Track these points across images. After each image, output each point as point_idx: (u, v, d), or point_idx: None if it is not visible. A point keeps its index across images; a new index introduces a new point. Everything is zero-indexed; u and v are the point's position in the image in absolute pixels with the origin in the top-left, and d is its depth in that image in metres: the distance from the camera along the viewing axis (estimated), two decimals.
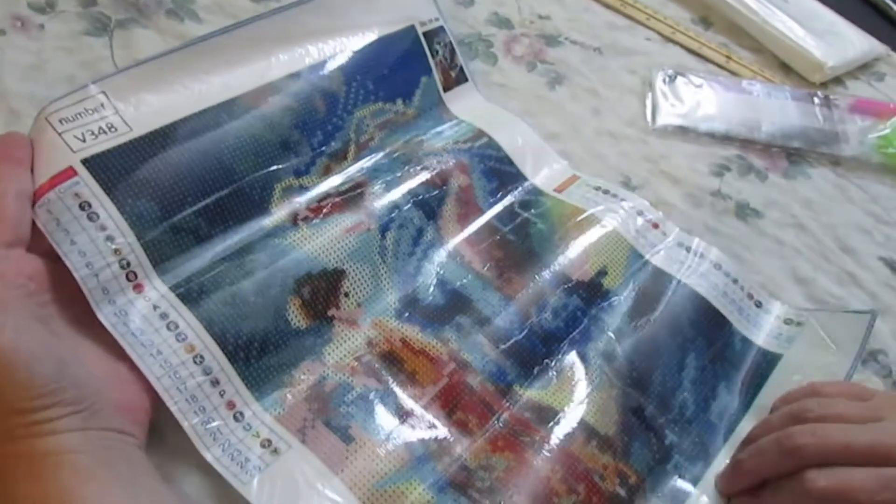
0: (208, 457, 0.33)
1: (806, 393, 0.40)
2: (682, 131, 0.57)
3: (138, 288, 0.35)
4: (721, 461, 0.39)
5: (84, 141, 0.35)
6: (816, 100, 0.61)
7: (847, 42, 0.65)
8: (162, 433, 0.34)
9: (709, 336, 0.44)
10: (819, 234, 0.53)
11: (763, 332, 0.45)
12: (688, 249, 0.48)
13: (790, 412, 0.38)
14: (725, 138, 0.58)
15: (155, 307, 0.35)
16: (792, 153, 0.59)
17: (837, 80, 0.66)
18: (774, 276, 0.50)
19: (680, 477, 0.38)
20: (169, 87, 0.39)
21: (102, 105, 0.36)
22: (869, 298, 0.50)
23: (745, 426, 0.41)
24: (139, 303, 0.35)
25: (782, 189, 0.56)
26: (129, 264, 0.35)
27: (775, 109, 0.60)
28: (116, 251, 0.34)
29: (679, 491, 0.38)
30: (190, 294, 0.36)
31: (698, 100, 0.59)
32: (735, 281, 0.47)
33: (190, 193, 0.37)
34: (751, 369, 0.44)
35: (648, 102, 0.59)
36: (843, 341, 0.43)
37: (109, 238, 0.34)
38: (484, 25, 0.60)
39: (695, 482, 0.38)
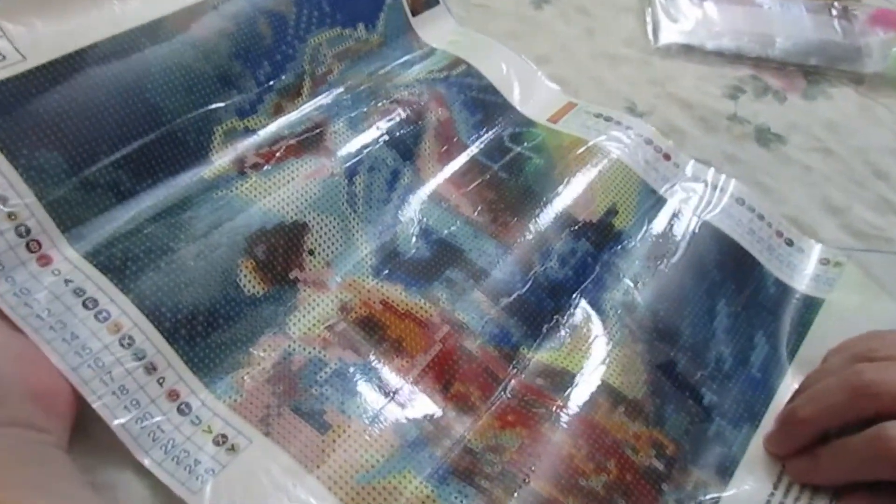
0: (146, 462, 0.26)
1: (865, 338, 0.33)
2: (688, 50, 0.51)
3: (44, 260, 0.28)
4: (768, 422, 0.33)
5: None
6: (834, 11, 0.55)
7: None
8: (89, 429, 0.26)
9: (738, 279, 0.38)
10: (848, 159, 0.48)
11: (799, 274, 0.39)
12: (705, 183, 0.41)
13: (852, 353, 0.32)
14: (736, 57, 0.52)
15: (66, 282, 0.28)
16: (810, 71, 0.53)
17: None
18: (805, 206, 0.43)
19: (723, 443, 0.32)
20: (74, 7, 0.31)
21: None
22: None
23: (791, 382, 0.35)
24: (45, 278, 0.28)
25: (803, 111, 0.50)
26: (28, 231, 0.28)
27: (789, 23, 0.54)
28: (11, 215, 0.27)
29: (724, 459, 0.32)
30: (112, 263, 0.29)
31: (703, 14, 0.53)
32: (761, 217, 0.41)
33: (105, 140, 0.30)
34: (790, 316, 0.37)
35: (648, 19, 0.53)
36: (892, 285, 0.37)
37: (1, 199, 0.27)
38: None
39: (742, 448, 0.32)
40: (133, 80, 0.31)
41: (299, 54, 0.37)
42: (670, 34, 0.51)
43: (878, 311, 0.37)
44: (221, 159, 0.33)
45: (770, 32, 0.53)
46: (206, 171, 0.33)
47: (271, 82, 0.36)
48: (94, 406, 0.26)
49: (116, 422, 0.26)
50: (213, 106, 0.33)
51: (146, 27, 0.32)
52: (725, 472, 0.31)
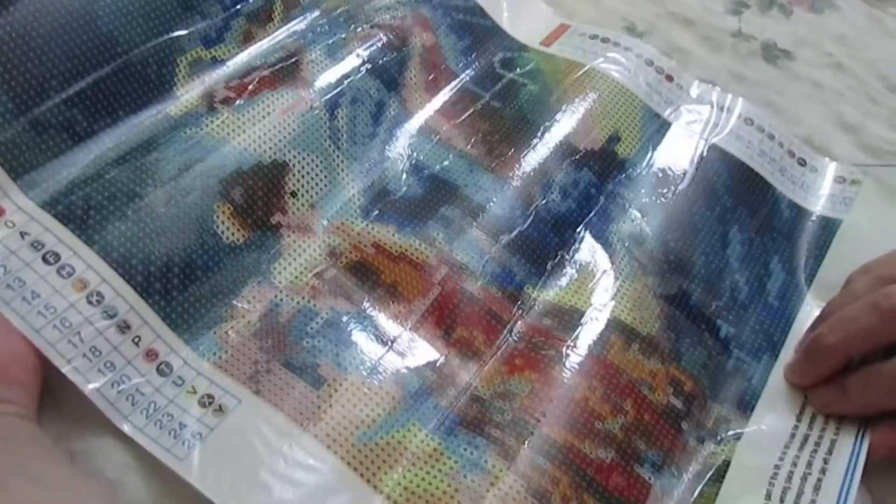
0: (126, 428, 0.24)
1: (890, 259, 0.31)
2: None
3: None
4: (788, 352, 0.32)
5: None
6: None
7: None
8: (59, 396, 0.24)
9: (750, 204, 0.36)
10: (860, 74, 0.45)
11: (813, 195, 0.37)
12: (711, 104, 0.39)
13: (878, 275, 0.30)
14: None
15: (23, 234, 0.25)
16: None
17: None
18: (818, 125, 0.41)
19: (743, 376, 0.30)
20: None
21: None
22: None
23: (810, 308, 0.33)
24: None
25: (810, 24, 0.48)
26: None
27: None
28: None
29: (744, 393, 0.30)
30: (72, 212, 0.26)
31: None
32: (771, 137, 0.38)
33: (54, 75, 0.27)
34: (806, 240, 0.35)
35: None
36: None
37: None
38: None
39: (762, 380, 0.30)
40: (82, 6, 0.28)
41: None
42: None
43: None
44: (188, 94, 0.30)
45: None
46: (171, 108, 0.30)
47: (238, 6, 0.32)
48: (64, 370, 0.23)
49: (90, 386, 0.24)
50: (175, 34, 0.30)
51: None
52: (746, 406, 0.30)
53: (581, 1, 0.44)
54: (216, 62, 0.31)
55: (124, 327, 0.25)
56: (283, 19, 0.34)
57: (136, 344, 0.25)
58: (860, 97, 0.44)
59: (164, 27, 0.30)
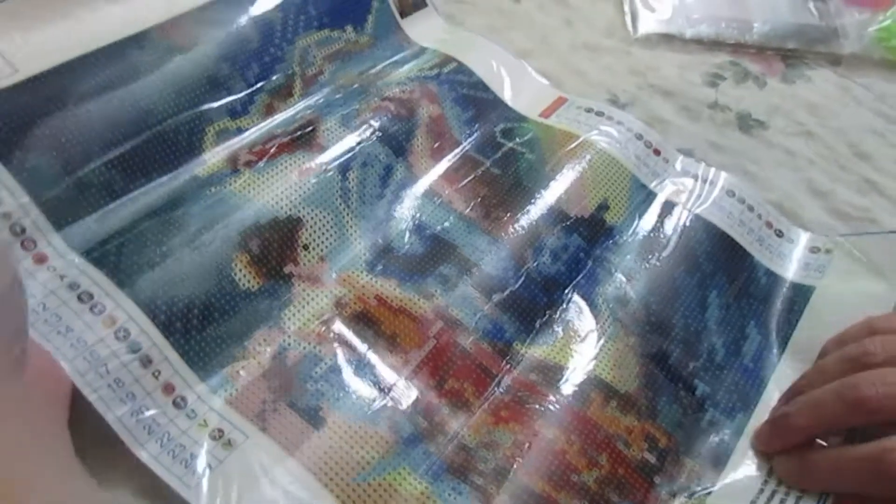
0: (143, 455, 0.26)
1: (863, 332, 0.33)
2: (668, 39, 0.52)
3: (39, 258, 0.28)
4: (762, 410, 0.34)
5: None
6: None
7: None
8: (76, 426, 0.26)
9: (729, 271, 0.38)
10: (830, 142, 0.48)
11: (789, 263, 0.40)
12: (695, 177, 0.42)
13: (848, 356, 0.31)
14: (715, 43, 0.52)
15: (62, 277, 0.28)
16: (788, 54, 0.53)
17: None
18: (790, 191, 0.44)
19: (717, 433, 0.33)
20: (61, 20, 0.32)
21: None
22: (893, 206, 0.45)
23: (784, 369, 0.35)
24: (41, 274, 0.28)
25: (783, 95, 0.51)
26: (23, 230, 0.28)
27: (766, 7, 0.54)
28: (6, 216, 0.27)
29: (718, 449, 0.32)
30: (106, 258, 0.29)
31: (680, 2, 0.54)
32: (751, 208, 0.41)
33: (97, 142, 0.31)
34: (782, 305, 0.38)
35: (626, 9, 0.53)
36: (884, 266, 0.38)
37: None
38: None
39: (735, 437, 0.33)
40: (122, 85, 0.32)
41: (288, 56, 0.37)
42: (648, 23, 0.52)
43: (868, 292, 0.37)
44: (214, 157, 0.33)
45: (747, 17, 0.54)
46: (199, 170, 0.33)
47: (261, 83, 0.36)
48: (90, 398, 0.26)
49: (112, 414, 0.26)
50: (204, 107, 0.34)
51: (132, 38, 0.33)
52: (718, 461, 0.32)
53: (569, 73, 0.47)
54: (241, 131, 0.35)
55: (146, 361, 0.27)
56: (302, 94, 0.37)
57: (156, 377, 0.27)
58: (829, 164, 0.47)
59: (193, 101, 0.33)
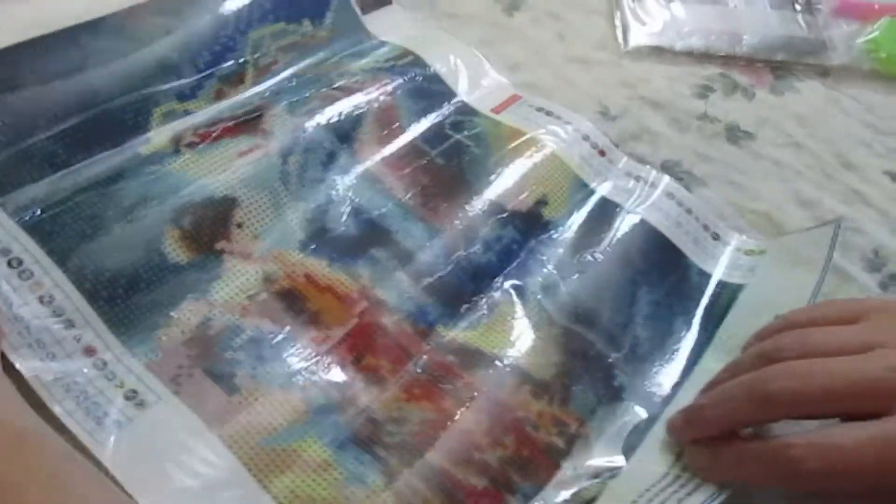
0: (57, 409, 0.27)
1: (781, 326, 0.33)
2: (658, 52, 0.52)
3: None
4: (681, 400, 0.34)
5: None
6: (798, 6, 0.56)
7: None
8: None
9: (662, 269, 0.39)
10: (817, 152, 0.49)
11: (722, 264, 0.40)
12: (637, 178, 0.43)
13: (761, 351, 0.32)
14: (705, 56, 0.53)
15: None
16: (777, 66, 0.54)
17: None
18: (777, 201, 0.45)
19: (631, 423, 0.33)
20: (22, 4, 0.34)
21: None
22: (879, 216, 0.45)
23: (709, 362, 0.36)
24: None
25: (772, 106, 0.51)
26: None
27: (755, 20, 0.55)
28: None
29: (630, 438, 0.33)
30: (39, 226, 0.30)
31: (671, 15, 0.54)
32: (689, 211, 0.42)
33: (43, 117, 0.33)
34: (711, 302, 0.38)
35: (618, 23, 0.54)
36: (811, 259, 0.38)
37: None
38: None
39: (647, 428, 0.33)
40: (74, 68, 0.34)
41: (240, 45, 0.39)
42: (639, 36, 0.52)
43: (794, 286, 0.37)
44: (158, 137, 0.35)
45: (737, 30, 0.54)
46: (142, 148, 0.34)
47: (211, 70, 0.37)
48: (9, 355, 0.27)
49: (30, 371, 0.28)
50: (152, 89, 0.35)
51: (87, 24, 0.35)
52: (629, 450, 0.32)
53: (560, 85, 0.48)
54: (187, 113, 0.36)
55: (69, 325, 0.29)
56: (255, 82, 0.39)
57: (77, 340, 0.29)
58: (817, 174, 0.47)
59: (141, 84, 0.35)
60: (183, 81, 0.37)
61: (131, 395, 0.29)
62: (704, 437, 0.31)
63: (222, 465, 0.28)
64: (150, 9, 0.37)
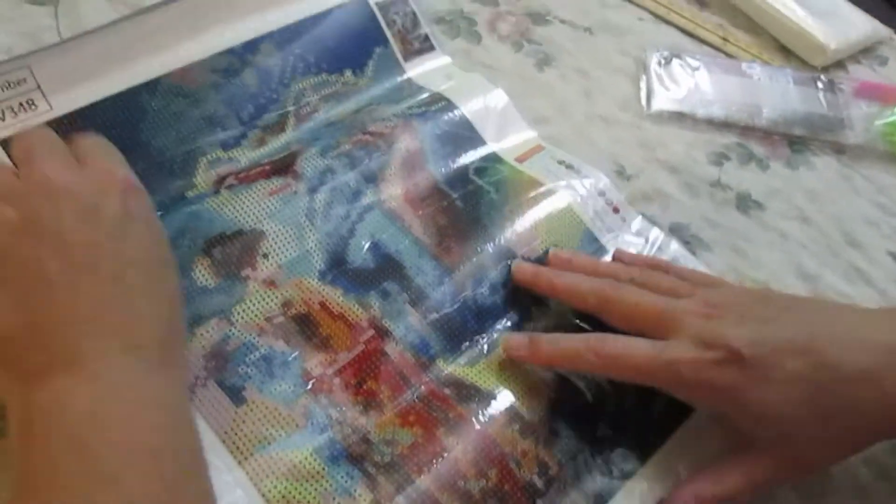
0: None
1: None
2: (679, 117, 0.54)
3: None
4: (657, 462, 0.36)
5: (3, 119, 0.35)
6: (820, 84, 0.57)
7: (849, 24, 0.62)
8: None
9: None
10: (824, 227, 0.50)
11: None
12: (646, 240, 0.44)
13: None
14: (725, 124, 0.55)
15: None
16: (794, 140, 0.55)
17: (839, 65, 0.62)
18: (778, 271, 0.46)
19: (607, 473, 0.35)
20: (96, 67, 0.38)
21: (26, 80, 0.36)
22: (878, 296, 0.46)
23: (688, 432, 0.37)
24: None
25: (785, 178, 0.53)
26: None
27: (777, 94, 0.56)
28: None
29: (604, 488, 0.34)
30: None
31: (695, 83, 0.56)
32: None
33: None
34: None
35: (643, 85, 0.56)
36: None
37: None
38: (466, 2, 0.57)
39: (622, 481, 0.35)
40: (130, 125, 0.38)
41: (283, 97, 0.43)
42: (663, 101, 0.54)
43: None
44: (203, 182, 0.39)
45: (758, 103, 0.55)
46: (188, 192, 0.38)
47: (255, 121, 0.41)
48: None
49: None
50: (199, 141, 0.39)
51: (147, 84, 0.39)
52: (601, 499, 0.34)
53: (580, 141, 0.50)
54: (231, 160, 0.40)
55: None
56: (294, 129, 0.42)
57: None
58: (821, 248, 0.48)
59: (190, 138, 0.39)
60: (228, 132, 0.40)
61: None
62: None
63: (220, 465, 0.30)
64: (203, 67, 0.41)
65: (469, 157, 0.45)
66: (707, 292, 0.36)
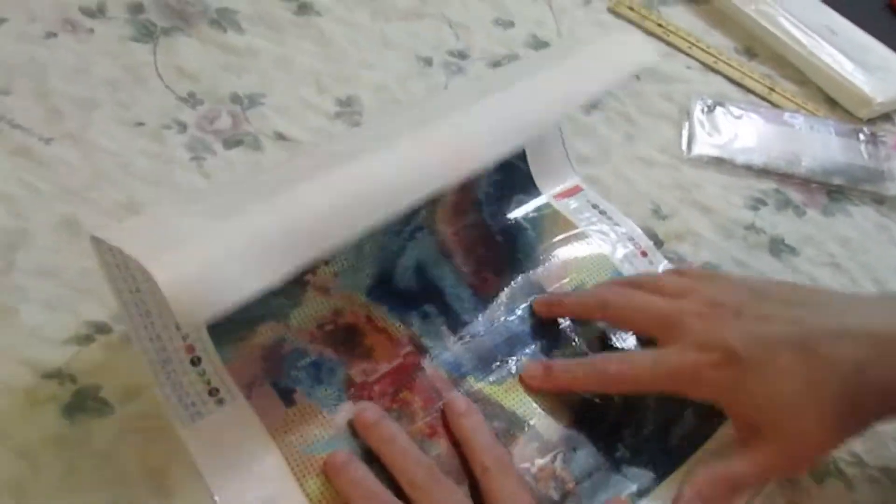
0: (158, 393, 0.35)
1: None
2: (718, 162, 0.56)
3: None
4: (669, 483, 0.38)
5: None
6: (862, 136, 0.59)
7: None
8: None
9: None
10: (856, 275, 0.51)
11: None
12: None
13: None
14: (763, 171, 0.56)
15: None
16: (833, 189, 0.56)
17: (885, 117, 0.63)
18: None
19: (621, 493, 0.38)
20: None
21: None
22: None
23: (703, 457, 0.40)
24: None
25: (820, 226, 0.54)
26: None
27: (817, 144, 0.58)
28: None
29: None
30: None
31: (737, 131, 0.58)
32: None
33: None
34: None
35: (685, 132, 0.57)
36: None
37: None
38: (521, 47, 0.60)
39: (639, 496, 0.38)
40: None
41: None
42: (703, 146, 0.56)
43: None
44: None
45: (798, 151, 0.57)
46: None
47: None
48: (136, 347, 0.35)
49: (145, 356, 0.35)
50: None
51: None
52: None
53: (619, 181, 0.52)
54: None
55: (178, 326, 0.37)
56: None
57: (184, 339, 0.37)
58: None
59: None
60: None
61: (214, 392, 0.36)
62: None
63: (272, 463, 0.35)
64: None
65: (514, 188, 0.48)
66: (706, 288, 0.40)
